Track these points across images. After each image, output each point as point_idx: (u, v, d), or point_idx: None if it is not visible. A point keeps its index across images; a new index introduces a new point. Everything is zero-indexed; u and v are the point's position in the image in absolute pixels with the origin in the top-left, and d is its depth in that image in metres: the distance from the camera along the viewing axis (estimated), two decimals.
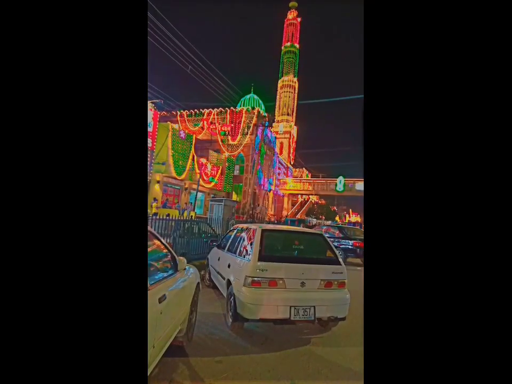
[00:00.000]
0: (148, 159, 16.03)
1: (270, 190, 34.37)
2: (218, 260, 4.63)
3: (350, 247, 10.59)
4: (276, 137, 39.47)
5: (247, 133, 29.40)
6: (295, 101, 50.35)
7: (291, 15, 52.33)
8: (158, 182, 18.29)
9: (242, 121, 29.59)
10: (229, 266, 3.88)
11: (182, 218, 9.97)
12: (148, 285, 1.87)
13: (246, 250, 3.61)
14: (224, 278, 3.95)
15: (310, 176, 44.74)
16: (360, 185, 33.24)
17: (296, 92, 50.40)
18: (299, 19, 51.94)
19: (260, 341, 3.26)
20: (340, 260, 3.57)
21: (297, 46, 51.26)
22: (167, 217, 6.15)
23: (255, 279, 3.14)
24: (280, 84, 50.78)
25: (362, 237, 10.95)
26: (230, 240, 4.52)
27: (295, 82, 50.58)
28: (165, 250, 2.62)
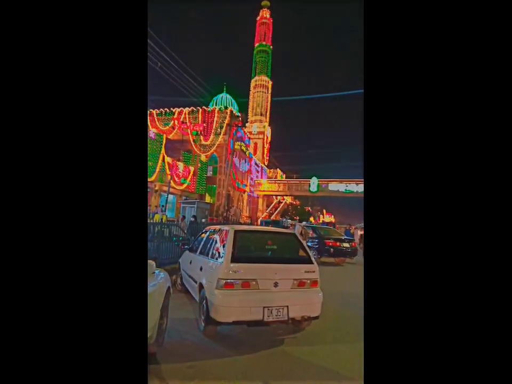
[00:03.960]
0: None
1: (245, 187, 34.28)
2: (190, 263, 4.51)
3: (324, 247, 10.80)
4: (250, 138, 39.46)
5: (220, 132, 29.08)
6: (269, 101, 50.63)
7: (263, 14, 52.46)
8: None
9: (214, 121, 29.22)
10: (201, 269, 3.79)
11: (152, 221, 9.68)
12: None
13: (218, 252, 3.53)
14: (196, 282, 3.86)
15: (284, 177, 45.22)
16: (333, 186, 34.07)
17: (270, 92, 50.62)
18: (271, 19, 52.23)
19: (233, 344, 3.20)
20: (312, 259, 3.60)
21: (270, 45, 51.50)
22: None
23: (228, 281, 3.08)
24: (253, 83, 50.57)
25: (336, 237, 11.25)
26: (202, 243, 4.41)
27: (268, 82, 50.78)
28: None
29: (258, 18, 52.67)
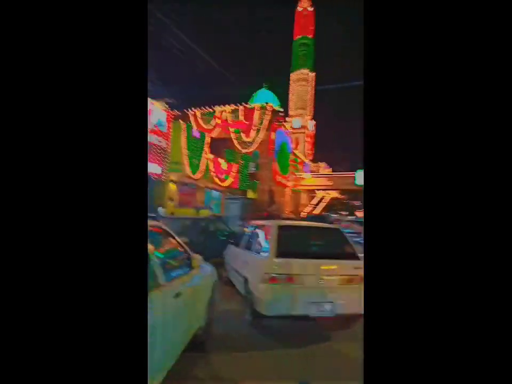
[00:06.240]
0: (164, 159, 16.21)
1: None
2: (235, 257, 4.62)
3: None
4: (292, 133, 39.06)
5: (261, 129, 29.18)
6: (311, 94, 49.43)
7: (303, 4, 50.21)
8: (173, 181, 18.49)
9: (255, 117, 29.29)
10: (246, 263, 3.86)
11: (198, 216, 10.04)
12: (163, 282, 1.87)
13: (263, 247, 3.57)
14: (241, 276, 3.94)
15: (331, 171, 44.13)
16: None
17: (312, 85, 49.42)
18: (312, 10, 49.84)
19: (279, 338, 3.23)
20: (358, 255, 3.47)
21: (311, 37, 49.52)
22: (183, 216, 6.21)
23: (273, 275, 3.11)
24: (293, 77, 49.86)
25: None
26: (246, 238, 4.51)
27: (309, 75, 49.56)
28: (180, 249, 2.63)
29: (300, 9, 50.99)
